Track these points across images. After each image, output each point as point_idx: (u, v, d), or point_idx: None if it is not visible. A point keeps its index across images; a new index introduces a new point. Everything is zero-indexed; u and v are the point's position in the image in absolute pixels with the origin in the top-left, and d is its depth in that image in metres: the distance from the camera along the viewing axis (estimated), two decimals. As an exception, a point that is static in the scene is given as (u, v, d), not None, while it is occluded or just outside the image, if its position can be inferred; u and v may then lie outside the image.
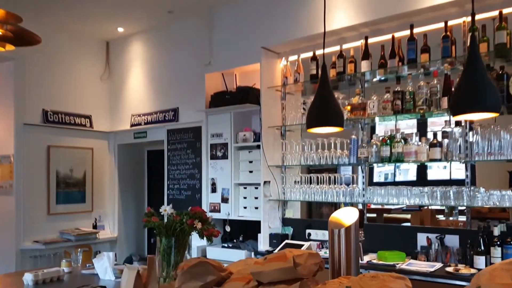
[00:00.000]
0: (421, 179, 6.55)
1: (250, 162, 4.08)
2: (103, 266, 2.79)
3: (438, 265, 2.83)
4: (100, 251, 5.36)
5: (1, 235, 4.75)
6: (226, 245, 4.14)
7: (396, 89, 3.15)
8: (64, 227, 5.03)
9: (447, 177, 6.67)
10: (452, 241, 3.00)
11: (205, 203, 4.36)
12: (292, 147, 3.93)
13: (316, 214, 5.12)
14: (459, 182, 6.35)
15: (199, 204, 4.48)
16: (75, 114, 5.24)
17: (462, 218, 4.70)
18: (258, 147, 3.96)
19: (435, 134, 2.97)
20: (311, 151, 3.77)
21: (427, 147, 2.95)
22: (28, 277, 2.62)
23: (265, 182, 3.89)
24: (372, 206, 3.76)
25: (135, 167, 5.83)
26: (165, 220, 1.89)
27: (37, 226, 4.77)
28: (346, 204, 3.48)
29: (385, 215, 4.35)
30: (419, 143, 2.99)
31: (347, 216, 1.50)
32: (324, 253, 3.40)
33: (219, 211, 4.23)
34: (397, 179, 4.05)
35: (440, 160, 2.88)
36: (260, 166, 3.95)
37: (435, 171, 6.72)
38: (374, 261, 3.07)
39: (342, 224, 1.48)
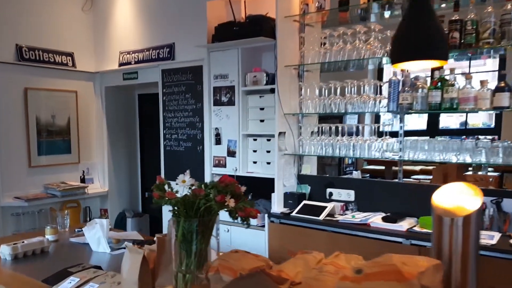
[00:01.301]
0: (432, 129, 6.08)
1: (261, 109, 3.55)
2: (95, 236, 2.37)
3: (497, 235, 2.39)
4: (89, 207, 4.99)
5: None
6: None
7: (453, 18, 2.54)
8: (48, 181, 4.60)
9: (459, 126, 6.17)
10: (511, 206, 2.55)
11: (208, 157, 3.89)
12: (312, 91, 3.38)
13: (329, 170, 4.68)
14: (477, 132, 5.84)
15: (201, 157, 4.01)
16: (55, 51, 4.62)
17: (493, 174, 4.27)
18: (272, 91, 3.41)
19: (502, 76, 2.41)
20: (335, 96, 3.23)
21: (490, 91, 2.41)
22: (5, 251, 2.20)
23: (280, 134, 3.38)
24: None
25: (125, 113, 5.31)
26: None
27: (17, 180, 4.33)
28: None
29: (394, 167, 3.94)
30: (481, 88, 2.44)
31: (461, 198, 1.00)
32: (352, 217, 2.97)
33: (224, 166, 3.76)
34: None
35: (508, 108, 2.35)
36: (273, 114, 3.43)
37: (446, 119, 6.16)
38: (416, 229, 2.64)
39: (458, 210, 0.97)
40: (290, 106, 3.46)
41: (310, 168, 3.60)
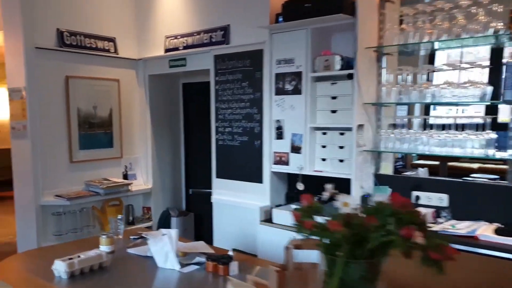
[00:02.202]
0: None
1: (333, 98, 3.14)
2: (163, 250, 2.02)
3: None
4: (132, 205, 4.72)
5: (18, 188, 4.09)
6: (298, 207, 3.32)
7: None
8: (90, 177, 4.34)
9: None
10: None
11: (268, 153, 3.52)
12: (394, 77, 2.95)
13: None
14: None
15: (259, 153, 3.63)
16: (97, 36, 4.34)
17: None
18: (349, 77, 2.99)
19: None
20: (421, 82, 2.79)
21: None
22: (60, 267, 1.90)
23: (359, 126, 2.96)
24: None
25: (169, 103, 4.99)
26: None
27: (58, 177, 4.09)
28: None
29: (450, 163, 3.55)
30: None
31: None
32: (452, 227, 2.53)
33: (287, 163, 3.38)
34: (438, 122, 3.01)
35: None
36: (347, 104, 3.01)
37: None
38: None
39: None
40: (369, 95, 3.03)
41: (390, 167, 3.17)
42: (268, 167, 3.54)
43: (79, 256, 2.00)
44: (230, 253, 2.17)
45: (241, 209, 3.76)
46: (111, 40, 4.49)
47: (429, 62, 4.06)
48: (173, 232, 2.12)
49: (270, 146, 3.51)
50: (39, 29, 3.91)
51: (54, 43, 4.01)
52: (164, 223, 4.86)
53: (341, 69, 3.07)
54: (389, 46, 2.95)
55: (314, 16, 3.01)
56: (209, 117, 4.10)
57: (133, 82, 4.76)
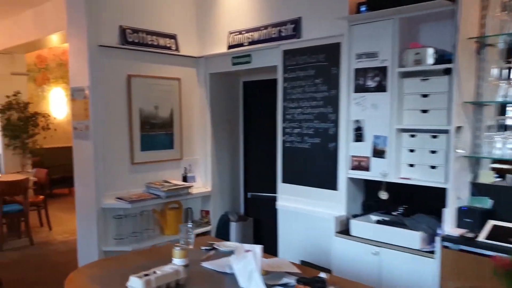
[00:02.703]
0: None
1: (424, 96, 2.79)
2: (247, 269, 1.80)
3: None
4: (191, 208, 4.56)
5: (80, 189, 4.04)
6: (381, 219, 3.01)
7: None
8: (150, 179, 4.22)
9: None
10: None
11: (344, 157, 3.22)
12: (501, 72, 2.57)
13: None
14: None
15: (333, 157, 3.34)
16: (158, 33, 4.21)
17: None
18: (444, 72, 2.64)
19: None
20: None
21: None
22: (136, 285, 1.72)
23: (457, 128, 2.61)
24: None
25: (229, 103, 4.79)
26: None
27: (119, 178, 4.00)
28: None
29: None
30: None
31: None
32: None
33: (367, 169, 3.07)
34: None
35: None
36: (442, 103, 2.68)
37: None
38: None
39: None
40: (469, 92, 2.66)
41: (490, 175, 2.78)
42: (344, 172, 3.25)
43: (155, 272, 1.81)
44: (323, 275, 1.90)
45: (311, 217, 3.49)
46: (173, 37, 4.35)
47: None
48: (257, 248, 1.88)
49: (347, 149, 3.21)
50: (102, 27, 3.83)
51: (116, 41, 3.91)
52: (223, 228, 4.68)
53: (435, 63, 2.72)
54: (496, 35, 2.57)
55: (405, 3, 2.68)
56: (271, 117, 3.86)
57: (194, 81, 4.60)
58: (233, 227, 4.61)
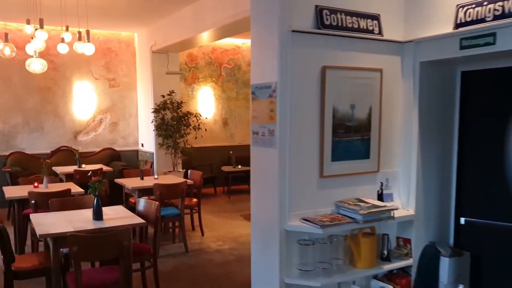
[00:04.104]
0: None
1: None
2: None
3: None
4: (387, 235, 3.66)
5: (258, 204, 3.47)
6: None
7: None
8: (340, 197, 3.45)
9: None
10: None
11: None
12: None
13: None
14: None
15: None
16: (359, 13, 3.36)
17: None
18: None
19: None
20: None
21: None
22: None
23: None
24: None
25: (441, 101, 3.72)
26: None
27: (305, 195, 3.33)
28: None
29: None
30: None
31: None
32: None
33: None
34: None
35: None
36: None
37: None
38: None
39: None
40: None
41: None
42: None
43: None
44: None
45: None
46: (375, 17, 3.46)
47: None
48: None
49: None
50: (295, 9, 3.14)
51: (311, 25, 3.18)
52: (429, 262, 3.66)
53: None
54: None
55: None
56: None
57: (397, 72, 3.65)
58: (445, 263, 3.57)
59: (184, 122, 8.89)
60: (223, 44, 10.95)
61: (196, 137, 9.16)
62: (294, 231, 3.24)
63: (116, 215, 4.37)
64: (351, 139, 3.47)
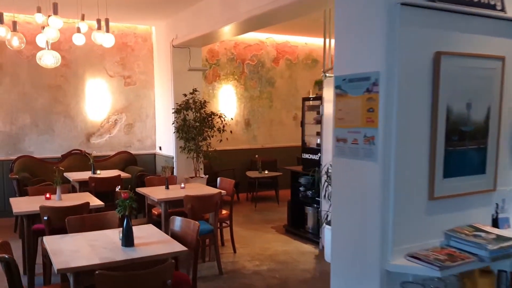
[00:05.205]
0: None
1: None
2: None
3: None
4: (506, 271, 2.83)
5: (346, 237, 2.67)
6: None
7: None
8: (450, 224, 2.64)
9: None
10: None
11: None
12: None
13: None
14: None
15: None
16: (480, -19, 2.52)
17: None
18: None
19: None
20: None
21: None
22: None
23: None
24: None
25: None
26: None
27: (412, 223, 2.49)
28: None
29: None
30: None
31: None
32: None
33: None
34: None
35: None
36: None
37: None
38: None
39: None
40: None
41: None
42: None
43: None
44: None
45: None
46: (496, -11, 2.64)
47: None
48: None
49: None
50: (404, -28, 2.32)
51: (424, -4, 2.37)
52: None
53: None
54: None
55: None
56: None
57: None
58: None
59: (207, 123, 8.11)
60: (246, 38, 10.15)
61: (221, 140, 8.36)
62: (398, 272, 2.44)
63: (148, 239, 3.60)
64: (466, 148, 2.66)
